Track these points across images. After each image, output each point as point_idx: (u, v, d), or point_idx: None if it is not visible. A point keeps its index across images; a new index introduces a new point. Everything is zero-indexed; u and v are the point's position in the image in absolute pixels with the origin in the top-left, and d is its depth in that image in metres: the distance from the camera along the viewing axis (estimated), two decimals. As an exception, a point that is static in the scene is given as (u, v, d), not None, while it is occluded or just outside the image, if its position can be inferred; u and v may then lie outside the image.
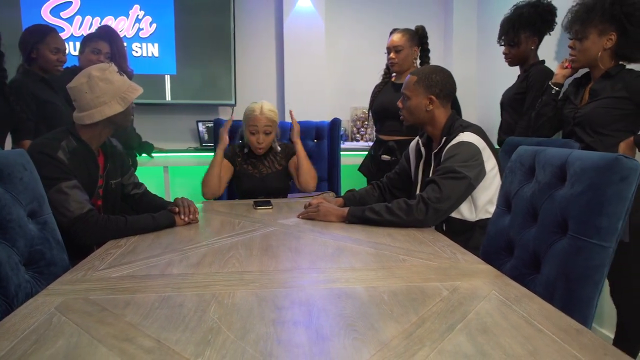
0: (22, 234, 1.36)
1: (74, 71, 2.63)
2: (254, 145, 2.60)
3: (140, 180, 2.19)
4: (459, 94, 2.37)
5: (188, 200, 2.01)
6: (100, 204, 1.95)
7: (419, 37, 2.94)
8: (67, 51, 2.66)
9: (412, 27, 2.96)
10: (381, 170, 2.86)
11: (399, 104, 2.09)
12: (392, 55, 2.94)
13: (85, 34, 3.11)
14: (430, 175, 1.99)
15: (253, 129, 2.59)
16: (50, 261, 1.44)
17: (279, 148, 2.70)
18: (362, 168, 3.16)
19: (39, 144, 1.75)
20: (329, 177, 3.17)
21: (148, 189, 2.20)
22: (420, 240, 1.65)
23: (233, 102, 4.23)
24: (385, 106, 2.95)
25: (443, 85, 1.98)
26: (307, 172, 2.57)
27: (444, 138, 1.97)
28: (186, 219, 1.93)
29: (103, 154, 1.97)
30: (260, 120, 2.57)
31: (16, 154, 1.47)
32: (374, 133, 3.90)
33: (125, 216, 1.78)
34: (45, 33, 2.57)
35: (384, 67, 3.09)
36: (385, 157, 2.90)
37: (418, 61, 2.98)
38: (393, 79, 3.06)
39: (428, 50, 2.97)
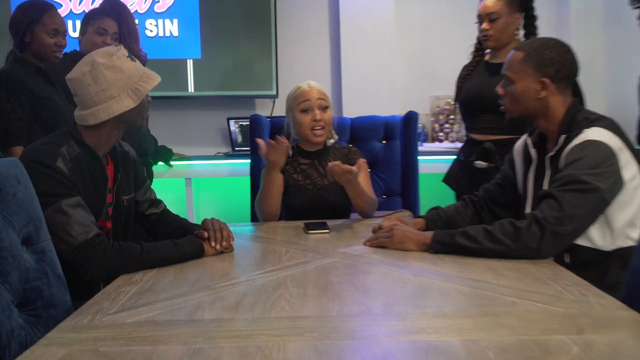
0: (16, 266, 1.41)
1: (74, 57, 2.73)
2: (309, 128, 2.60)
3: (158, 195, 2.24)
4: (580, 76, 2.31)
5: (220, 222, 2.04)
6: (110, 227, 1.99)
7: (519, 1, 2.89)
8: (67, 33, 2.76)
9: None
10: (475, 182, 2.81)
11: (499, 90, 2.07)
12: (484, 25, 2.90)
13: (87, 11, 3.23)
14: (545, 186, 1.94)
15: (305, 104, 2.61)
16: (49, 301, 1.48)
17: (333, 140, 2.70)
18: (449, 178, 3.12)
19: (33, 151, 1.81)
20: (403, 191, 3.15)
21: (167, 207, 2.25)
22: (535, 276, 1.61)
23: (274, 93, 4.29)
24: (476, 94, 2.91)
25: (560, 64, 1.94)
26: (363, 197, 2.55)
27: (563, 136, 1.92)
28: (218, 246, 1.95)
29: (112, 162, 2.02)
30: (311, 93, 2.61)
31: (8, 164, 1.53)
32: (464, 131, 3.86)
33: (140, 243, 1.82)
34: (41, 11, 2.67)
35: (474, 41, 3.06)
36: (480, 163, 2.86)
37: (521, 32, 2.93)
38: (487, 58, 3.01)
39: (534, 18, 2.92)
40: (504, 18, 2.85)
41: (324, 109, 2.61)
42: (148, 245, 1.83)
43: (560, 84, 1.96)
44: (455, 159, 3.14)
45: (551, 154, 1.96)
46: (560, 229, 1.74)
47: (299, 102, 2.62)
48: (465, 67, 3.08)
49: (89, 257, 1.73)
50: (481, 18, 2.90)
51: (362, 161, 2.63)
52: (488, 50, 3.00)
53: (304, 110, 2.61)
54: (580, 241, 1.83)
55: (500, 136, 2.82)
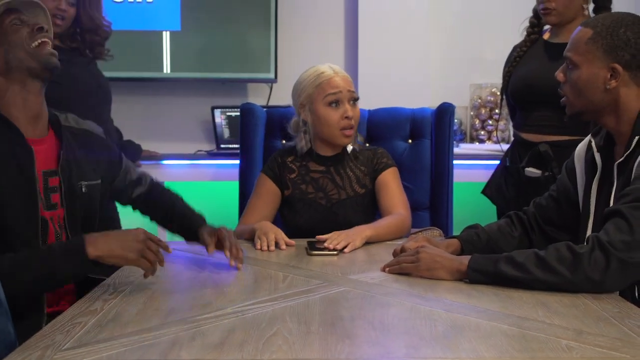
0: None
1: None
2: (338, 127, 2.62)
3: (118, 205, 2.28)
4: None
5: (231, 231, 2.09)
6: (64, 215, 2.02)
7: None
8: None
9: None
10: (524, 194, 2.82)
11: (559, 76, 2.08)
12: None
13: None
14: (612, 201, 1.95)
15: (333, 97, 2.62)
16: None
17: (356, 147, 2.73)
18: (490, 189, 3.13)
19: None
20: (433, 204, 3.16)
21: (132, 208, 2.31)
22: (597, 314, 1.61)
23: (272, 76, 4.31)
24: (531, 83, 2.92)
25: (638, 48, 1.95)
26: (389, 236, 2.59)
27: (636, 138, 1.94)
28: (232, 263, 2.00)
29: (56, 135, 2.04)
30: (341, 82, 2.63)
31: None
32: (511, 129, 3.87)
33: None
34: None
35: (529, 16, 3.07)
36: (532, 171, 2.87)
37: (591, 7, 2.95)
38: (546, 36, 3.02)
39: None
40: None
41: (355, 102, 2.63)
42: (9, 256, 1.77)
43: (636, 72, 1.97)
44: (500, 165, 3.15)
45: (620, 160, 1.97)
46: (630, 256, 1.75)
47: (326, 92, 2.62)
48: (517, 48, 3.10)
49: None
50: None
51: (389, 174, 2.69)
52: (547, 27, 3.02)
53: (333, 104, 2.62)
54: (656, 272, 1.84)
55: (559, 137, 2.83)
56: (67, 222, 2.02)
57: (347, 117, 2.60)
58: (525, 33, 3.09)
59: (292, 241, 2.41)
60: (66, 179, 2.02)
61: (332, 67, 2.67)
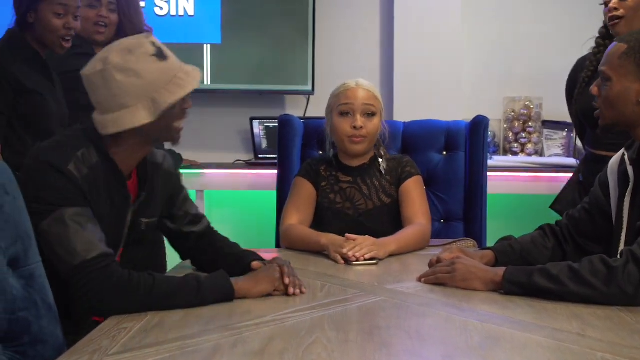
0: (1, 292, 1.46)
1: (78, 46, 2.80)
2: (346, 136, 2.64)
3: None
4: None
5: (288, 262, 2.04)
6: (122, 252, 2.04)
7: None
8: (78, 11, 2.75)
9: None
10: None
11: (593, 90, 2.08)
12: (612, 3, 2.80)
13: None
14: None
15: (346, 107, 2.64)
16: (37, 336, 1.53)
17: (383, 163, 2.73)
18: (560, 204, 3.08)
19: (45, 149, 1.85)
20: (467, 215, 3.15)
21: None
22: (632, 327, 1.61)
23: (310, 88, 4.33)
24: None
25: None
26: (412, 248, 2.58)
27: None
28: (293, 290, 1.92)
29: (137, 176, 2.05)
30: (357, 93, 2.64)
31: (-8, 170, 1.58)
32: (544, 142, 3.85)
33: (153, 275, 1.81)
34: None
35: (600, 27, 2.97)
36: None
37: None
38: None
39: None
40: None
41: (370, 115, 2.63)
42: (160, 278, 1.81)
43: None
44: (572, 180, 3.12)
45: (653, 173, 1.96)
46: (664, 270, 1.74)
47: (340, 102, 2.65)
48: (583, 68, 3.02)
49: (86, 281, 1.72)
50: None
51: (412, 183, 2.66)
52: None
53: (344, 114, 2.64)
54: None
55: None
56: (122, 256, 2.03)
57: (354, 127, 2.61)
58: (593, 46, 2.99)
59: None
60: (134, 216, 2.02)
61: (358, 80, 2.69)
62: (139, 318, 1.69)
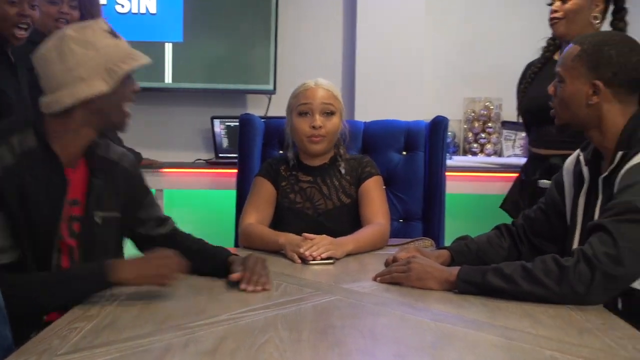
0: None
1: (32, 37, 2.75)
2: (305, 136, 2.65)
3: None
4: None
5: (261, 260, 2.04)
6: (76, 246, 2.01)
7: None
8: (35, 2, 2.68)
9: None
10: None
11: (550, 89, 2.12)
12: (554, 5, 2.93)
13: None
14: (597, 215, 1.96)
15: (304, 107, 2.66)
16: (-16, 337, 1.50)
17: (342, 164, 2.73)
18: (507, 204, 3.17)
19: None
20: (425, 215, 3.17)
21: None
22: (581, 325, 1.63)
23: (271, 88, 4.32)
24: (540, 102, 2.93)
25: (620, 66, 1.96)
26: (369, 248, 2.58)
27: (620, 153, 1.95)
28: (250, 288, 1.93)
29: (87, 166, 2.04)
30: (315, 94, 2.65)
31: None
32: (504, 143, 3.90)
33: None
34: None
35: (549, 35, 3.08)
36: (545, 182, 2.90)
37: (604, 26, 2.97)
38: (556, 57, 3.04)
39: (624, 11, 2.95)
40: (581, 1, 2.89)
41: (329, 115, 2.64)
42: (42, 275, 1.81)
43: (618, 90, 1.98)
44: (516, 180, 3.17)
45: (605, 174, 1.98)
46: (615, 270, 1.75)
47: (299, 102, 2.66)
48: (531, 66, 3.14)
49: None
50: None
51: (372, 183, 2.67)
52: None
53: (303, 113, 2.65)
54: (638, 284, 1.84)
55: (569, 151, 2.84)
56: (80, 251, 2.01)
57: (313, 127, 2.62)
58: (541, 50, 3.12)
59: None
60: (86, 209, 2.01)
61: (317, 80, 2.70)
62: (91, 317, 1.67)
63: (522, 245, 2.26)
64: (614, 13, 2.96)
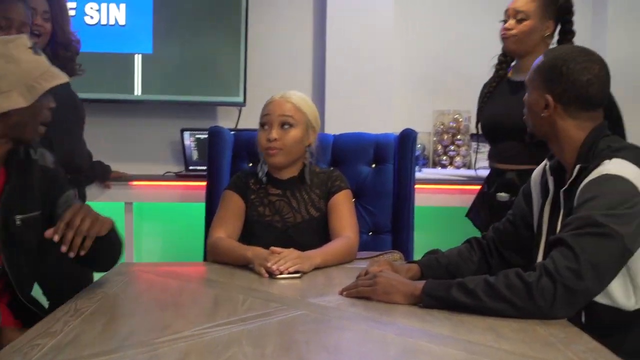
0: None
1: None
2: (263, 148, 2.67)
3: None
4: (616, 93, 2.35)
5: (89, 213, 2.00)
6: (1, 257, 2.00)
7: (558, 8, 3.01)
8: (25, 28, 2.74)
9: None
10: (496, 218, 2.89)
11: (524, 98, 2.16)
12: (509, 23, 3.01)
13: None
14: (559, 227, 1.98)
15: (264, 119, 2.68)
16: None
17: (307, 177, 2.73)
18: (471, 213, 3.23)
19: None
20: (395, 227, 3.18)
21: None
22: (545, 339, 1.63)
23: (241, 100, 4.32)
24: (495, 119, 3.04)
25: (570, 84, 1.99)
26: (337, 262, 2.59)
27: (578, 166, 1.98)
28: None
29: (5, 170, 2.04)
30: (276, 106, 2.67)
31: None
32: (473, 155, 3.92)
33: None
34: None
35: (500, 52, 3.14)
36: (501, 195, 2.96)
37: (553, 44, 3.03)
38: (510, 74, 3.10)
39: (572, 33, 3.03)
40: (533, 21, 2.97)
41: (287, 127, 2.64)
42: None
43: (568, 106, 2.01)
44: (479, 191, 3.21)
45: (565, 187, 2.01)
46: (577, 284, 1.77)
47: (262, 114, 2.69)
48: (487, 85, 3.20)
49: None
50: (507, 15, 3.01)
51: (341, 197, 2.68)
52: (514, 63, 3.09)
53: (262, 125, 2.67)
54: (600, 298, 1.86)
55: (524, 166, 2.89)
56: (6, 261, 2.01)
57: (268, 139, 2.63)
58: (494, 68, 3.17)
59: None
60: (3, 213, 2.01)
61: (285, 92, 2.71)
62: (54, 333, 1.65)
63: (492, 259, 2.28)
64: (561, 33, 3.04)
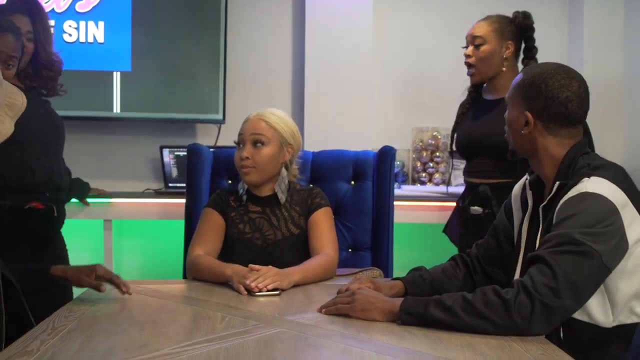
0: None
1: None
2: (237, 166, 2.70)
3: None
4: (592, 111, 2.38)
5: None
6: None
7: (515, 28, 3.08)
8: (12, 61, 2.71)
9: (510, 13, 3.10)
10: (470, 231, 2.96)
11: (504, 115, 2.18)
12: (467, 50, 3.10)
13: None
14: (537, 242, 2.00)
15: (238, 137, 2.71)
16: None
17: (282, 195, 2.73)
18: (447, 228, 3.29)
19: None
20: (374, 244, 3.18)
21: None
22: (522, 356, 1.64)
23: (221, 117, 4.33)
24: (468, 138, 3.10)
25: (549, 101, 2.01)
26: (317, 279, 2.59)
27: (557, 183, 2.00)
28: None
29: None
30: (250, 124, 2.69)
31: None
32: (451, 171, 3.96)
33: None
34: None
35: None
36: (474, 209, 3.00)
37: (519, 64, 3.12)
38: (485, 93, 3.16)
39: (535, 49, 3.11)
40: (490, 46, 3.05)
41: (259, 145, 2.65)
42: None
43: (547, 123, 2.03)
44: (456, 206, 3.25)
45: (544, 203, 2.03)
46: (555, 302, 1.78)
47: (238, 133, 2.71)
48: (461, 106, 3.27)
49: None
50: (467, 42, 3.11)
51: (321, 214, 2.70)
52: (484, 86, 3.16)
53: (238, 144, 2.70)
54: (578, 315, 1.88)
55: (496, 180, 2.94)
56: None
57: (241, 158, 2.65)
58: (467, 91, 3.26)
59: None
60: None
61: (261, 111, 2.73)
62: (31, 352, 1.64)
63: (476, 275, 2.29)
64: (524, 51, 3.11)
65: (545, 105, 2.01)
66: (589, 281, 1.83)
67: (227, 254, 2.70)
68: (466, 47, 3.10)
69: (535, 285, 1.79)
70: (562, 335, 1.90)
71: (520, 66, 3.10)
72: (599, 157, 2.05)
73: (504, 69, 3.05)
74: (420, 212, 3.78)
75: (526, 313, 1.78)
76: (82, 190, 3.74)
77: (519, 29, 3.07)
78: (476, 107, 3.17)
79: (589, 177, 1.93)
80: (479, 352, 1.67)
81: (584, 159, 2.01)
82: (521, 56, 3.13)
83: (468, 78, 3.19)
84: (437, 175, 4.43)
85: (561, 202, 1.93)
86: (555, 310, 1.79)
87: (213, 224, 2.71)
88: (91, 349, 1.69)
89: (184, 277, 2.87)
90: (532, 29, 3.09)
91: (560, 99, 2.01)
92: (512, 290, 1.81)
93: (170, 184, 4.26)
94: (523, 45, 3.12)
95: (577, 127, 2.07)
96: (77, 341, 1.75)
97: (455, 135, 3.23)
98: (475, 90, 3.20)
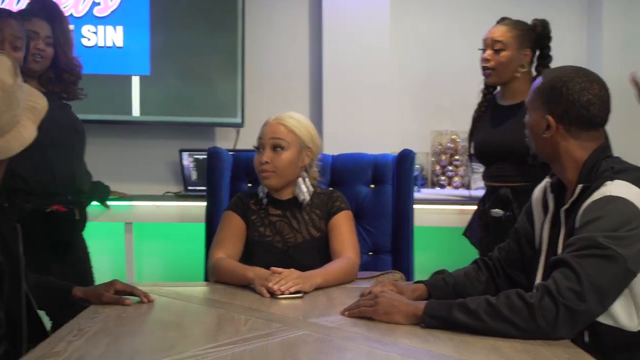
0: None
1: None
2: (257, 170, 2.70)
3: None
4: (613, 115, 2.37)
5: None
6: None
7: (535, 36, 3.10)
8: (19, 43, 2.76)
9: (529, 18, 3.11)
10: (491, 234, 2.96)
11: (525, 119, 2.17)
12: (487, 54, 3.09)
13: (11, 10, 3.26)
14: (560, 245, 1.99)
15: (258, 142, 2.71)
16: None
17: (307, 196, 2.73)
18: (468, 231, 3.30)
19: None
20: (394, 247, 3.18)
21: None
22: None
23: (239, 120, 4.34)
24: (484, 145, 3.11)
25: (570, 104, 2.00)
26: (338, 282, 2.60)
27: (580, 186, 1.99)
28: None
29: None
30: (269, 129, 2.69)
31: None
32: (471, 175, 3.96)
33: None
34: None
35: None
36: (496, 211, 3.00)
37: (533, 71, 3.13)
38: (498, 100, 3.17)
39: (549, 58, 3.13)
40: (510, 52, 3.06)
41: (278, 149, 2.66)
42: None
43: (569, 126, 2.02)
44: (477, 209, 3.25)
45: (566, 206, 2.02)
46: (578, 305, 1.77)
47: (257, 137, 2.71)
48: (477, 110, 3.28)
49: None
50: (486, 44, 3.09)
51: (342, 217, 2.70)
52: (498, 88, 3.15)
53: (257, 148, 2.70)
54: (603, 319, 1.87)
55: (517, 184, 2.94)
56: None
57: (260, 162, 2.65)
58: (481, 93, 3.27)
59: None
60: None
61: (280, 115, 2.73)
62: (57, 353, 1.66)
63: (499, 279, 2.27)
64: (539, 59, 3.13)
65: (567, 108, 2.01)
66: (614, 285, 1.82)
67: (247, 257, 2.70)
68: (483, 49, 3.11)
69: (559, 289, 1.78)
70: (587, 338, 1.89)
71: (533, 72, 3.12)
72: (621, 161, 2.04)
73: (517, 74, 3.07)
74: (440, 216, 3.78)
75: (550, 317, 1.77)
76: (102, 193, 3.77)
77: (538, 38, 3.09)
78: (491, 113, 3.19)
79: (612, 181, 1.92)
80: (505, 355, 1.67)
81: (606, 162, 2.00)
82: (534, 63, 3.14)
83: (480, 83, 3.20)
84: (456, 179, 4.42)
85: (584, 205, 1.92)
86: (579, 314, 1.78)
87: (234, 227, 2.72)
88: (117, 350, 1.71)
89: (205, 279, 2.87)
90: (550, 38, 3.11)
91: (581, 102, 2.00)
92: (536, 294, 1.80)
93: (189, 187, 4.29)
94: (537, 52, 3.13)
95: (599, 130, 2.06)
96: (103, 342, 1.76)
97: (473, 141, 3.25)
98: (489, 92, 3.22)
